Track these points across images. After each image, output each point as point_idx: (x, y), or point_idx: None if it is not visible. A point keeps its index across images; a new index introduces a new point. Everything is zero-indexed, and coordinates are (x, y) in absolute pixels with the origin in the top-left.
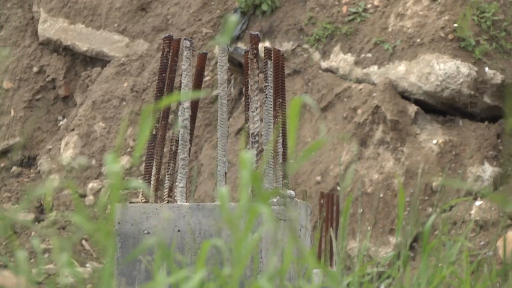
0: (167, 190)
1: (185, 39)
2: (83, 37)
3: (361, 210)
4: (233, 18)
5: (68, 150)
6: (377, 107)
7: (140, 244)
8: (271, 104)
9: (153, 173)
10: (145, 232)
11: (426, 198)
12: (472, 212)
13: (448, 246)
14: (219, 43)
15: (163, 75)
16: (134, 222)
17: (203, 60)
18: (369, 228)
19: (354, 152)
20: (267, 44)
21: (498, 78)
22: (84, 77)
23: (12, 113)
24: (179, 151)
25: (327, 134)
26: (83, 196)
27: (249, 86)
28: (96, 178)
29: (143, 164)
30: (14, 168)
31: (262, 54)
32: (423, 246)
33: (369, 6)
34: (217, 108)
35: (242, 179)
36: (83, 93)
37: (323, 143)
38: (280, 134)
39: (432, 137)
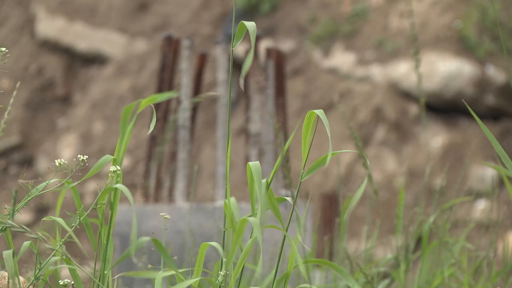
0: (167, 190)
1: (185, 38)
2: (82, 36)
3: (361, 211)
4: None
5: (66, 150)
6: (378, 107)
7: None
8: (272, 104)
9: (153, 173)
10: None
11: (428, 198)
12: (474, 212)
13: (449, 247)
14: (219, 43)
15: (163, 74)
16: (132, 223)
17: (203, 60)
18: (370, 228)
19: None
20: (267, 43)
21: (502, 77)
22: (83, 77)
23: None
24: (179, 151)
25: (327, 134)
26: (82, 196)
27: (249, 86)
28: (94, 179)
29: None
30: (12, 168)
31: (260, 53)
32: (422, 247)
33: (370, 4)
34: (217, 108)
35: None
36: (82, 93)
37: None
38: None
39: (435, 137)
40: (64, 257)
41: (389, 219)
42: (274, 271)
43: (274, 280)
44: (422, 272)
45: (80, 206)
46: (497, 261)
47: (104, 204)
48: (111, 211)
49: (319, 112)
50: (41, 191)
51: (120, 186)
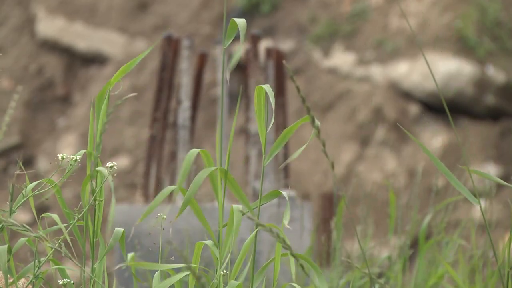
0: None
1: (185, 38)
2: (81, 36)
3: (362, 210)
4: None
5: (66, 150)
6: (378, 106)
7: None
8: (271, 104)
9: (153, 173)
10: (149, 233)
11: (428, 198)
12: (474, 212)
13: (445, 246)
14: (219, 43)
15: (163, 74)
16: (132, 223)
17: (203, 60)
18: (369, 228)
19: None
20: (267, 43)
21: (501, 77)
22: (83, 76)
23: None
24: (179, 151)
25: (327, 134)
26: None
27: (249, 86)
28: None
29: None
30: (12, 168)
31: (261, 53)
32: (419, 247)
33: (370, 4)
34: (217, 108)
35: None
36: (81, 93)
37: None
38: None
39: (435, 137)
40: (53, 258)
41: (388, 219)
42: (249, 264)
43: (252, 274)
44: (418, 272)
45: (65, 207)
46: (496, 261)
47: (87, 207)
48: (98, 203)
49: (266, 87)
50: (36, 191)
51: (101, 169)
